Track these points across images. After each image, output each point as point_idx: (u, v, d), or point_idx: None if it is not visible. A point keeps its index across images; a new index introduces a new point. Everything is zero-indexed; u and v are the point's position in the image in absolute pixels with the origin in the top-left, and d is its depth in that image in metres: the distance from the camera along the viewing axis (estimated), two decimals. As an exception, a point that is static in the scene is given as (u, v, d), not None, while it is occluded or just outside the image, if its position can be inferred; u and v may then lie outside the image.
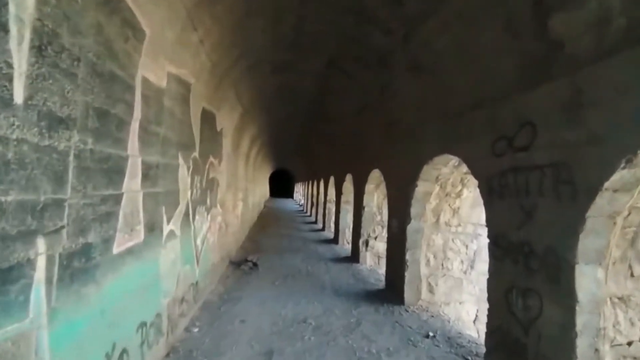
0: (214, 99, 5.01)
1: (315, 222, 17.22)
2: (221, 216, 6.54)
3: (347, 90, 7.28)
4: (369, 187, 8.30)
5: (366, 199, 8.41)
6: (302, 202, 29.62)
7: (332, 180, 13.51)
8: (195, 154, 4.31)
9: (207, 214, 5.20)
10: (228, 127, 6.69)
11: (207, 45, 3.80)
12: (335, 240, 11.75)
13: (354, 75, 6.42)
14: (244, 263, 7.76)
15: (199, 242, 4.65)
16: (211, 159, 5.32)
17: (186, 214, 3.94)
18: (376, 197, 8.46)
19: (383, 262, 8.44)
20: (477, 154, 3.64)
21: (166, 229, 3.34)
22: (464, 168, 4.93)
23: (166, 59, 3.07)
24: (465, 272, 5.53)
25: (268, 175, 36.29)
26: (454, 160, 4.70)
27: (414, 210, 5.40)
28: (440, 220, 5.51)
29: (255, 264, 7.88)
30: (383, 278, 7.13)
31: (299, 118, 10.90)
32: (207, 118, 4.84)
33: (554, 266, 2.59)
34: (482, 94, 3.57)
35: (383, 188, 8.29)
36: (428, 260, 5.51)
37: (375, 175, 7.94)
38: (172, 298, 3.55)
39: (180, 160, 3.73)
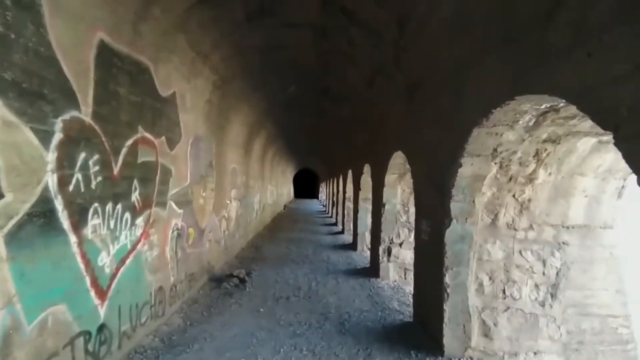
0: (139, 35, 3.26)
1: (336, 224, 15.31)
2: (184, 219, 4.80)
3: (354, 51, 5.37)
4: (389, 178, 6.30)
5: (387, 193, 6.42)
6: (325, 202, 27.83)
7: (349, 174, 11.57)
8: (79, 115, 2.56)
9: (137, 217, 3.44)
10: (192, 99, 4.94)
11: None
12: (353, 245, 9.80)
13: (359, 19, 4.48)
14: (227, 279, 5.99)
15: (105, 260, 2.89)
16: (144, 134, 3.57)
17: (42, 216, 2.18)
18: (400, 191, 6.45)
19: (411, 275, 6.43)
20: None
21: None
22: (548, 129, 2.87)
23: None
24: (542, 304, 3.44)
25: (292, 176, 34.86)
26: (529, 114, 2.67)
27: (455, 206, 3.40)
28: (499, 221, 3.46)
29: (242, 280, 6.09)
30: (410, 301, 5.13)
31: (304, 101, 9.05)
32: (120, 65, 3.09)
33: None
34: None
35: (409, 178, 6.28)
36: (481, 285, 3.48)
37: (398, 162, 5.94)
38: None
39: (13, 118, 1.98)
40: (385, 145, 6.25)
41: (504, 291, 3.47)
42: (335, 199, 17.24)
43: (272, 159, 16.12)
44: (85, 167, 2.61)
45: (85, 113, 2.62)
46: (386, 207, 6.44)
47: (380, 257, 6.50)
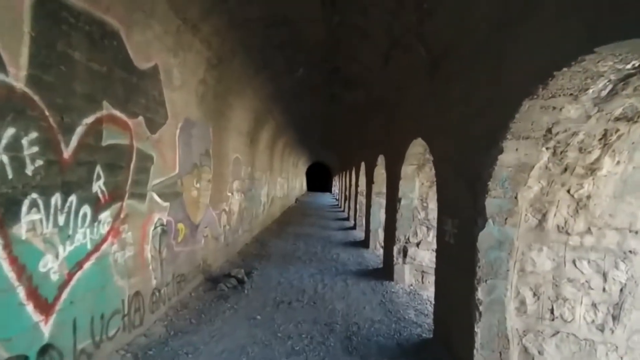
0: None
1: (348, 219, 14.65)
2: (172, 213, 4.23)
3: (368, 22, 4.65)
4: (406, 169, 5.59)
5: (403, 187, 5.71)
6: (338, 196, 27.17)
7: (362, 167, 10.86)
8: (4, 79, 1.96)
9: (102, 211, 2.86)
10: (182, 76, 4.34)
11: None
12: (365, 243, 9.13)
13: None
14: (224, 279, 5.42)
15: (50, 264, 2.32)
16: (112, 112, 2.97)
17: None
18: (418, 185, 5.72)
19: (429, 279, 5.74)
20: None
21: None
22: (625, 102, 2.13)
23: None
24: (601, 328, 2.72)
25: (304, 169, 34.31)
26: (606, 78, 1.93)
27: (492, 203, 2.69)
28: (548, 223, 2.74)
29: (241, 281, 5.51)
30: (429, 310, 4.46)
31: (313, 86, 8.36)
32: (73, 23, 2.50)
33: None
34: None
35: (429, 170, 5.55)
36: (523, 303, 2.77)
37: (417, 151, 5.22)
38: None
39: None
40: (402, 132, 5.53)
41: (552, 311, 2.75)
42: (347, 192, 16.56)
43: (283, 151, 15.52)
44: (14, 147, 2.02)
45: (14, 77, 2.02)
46: (402, 202, 5.74)
47: (395, 258, 5.82)
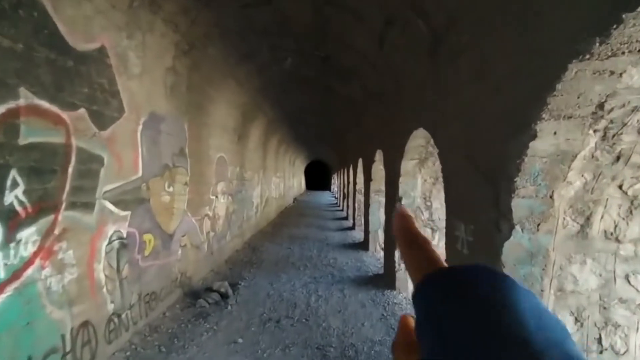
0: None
1: (346, 218, 14.06)
2: (134, 223, 3.62)
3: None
4: (407, 165, 4.97)
5: (403, 185, 5.09)
6: (337, 194, 26.58)
7: (360, 163, 10.25)
8: None
9: (22, 228, 2.25)
10: (142, 62, 3.73)
11: None
12: (364, 244, 8.53)
13: None
14: (205, 294, 4.82)
15: None
16: (35, 102, 2.36)
17: None
18: (420, 182, 5.11)
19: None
20: None
21: None
22: None
23: None
24: (665, 362, 2.11)
25: (303, 167, 33.73)
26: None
27: (521, 205, 2.07)
28: (592, 228, 2.12)
29: (224, 295, 4.91)
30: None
31: (304, 77, 7.73)
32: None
33: None
34: None
35: (432, 165, 4.94)
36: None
37: (418, 143, 4.61)
38: None
39: None
40: (401, 124, 4.92)
41: (599, 341, 2.14)
42: (346, 190, 15.95)
43: (277, 148, 14.90)
44: None
45: None
46: (403, 201, 5.12)
47: (397, 264, 5.21)
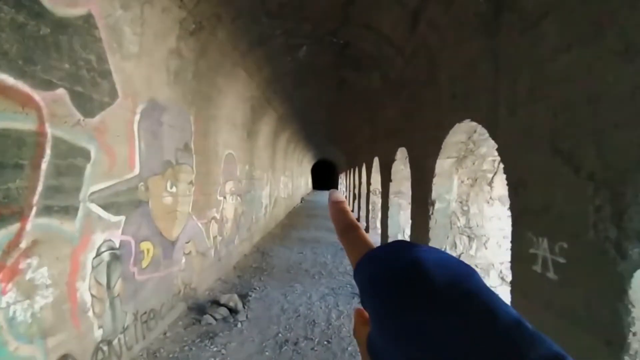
0: None
1: (358, 220, 13.37)
2: (129, 229, 3.05)
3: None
4: (443, 164, 4.35)
5: (437, 187, 4.48)
6: (345, 194, 25.97)
7: (375, 162, 9.63)
8: None
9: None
10: (141, 39, 3.17)
11: None
12: (382, 250, 7.89)
13: None
14: (212, 309, 4.25)
15: None
16: (6, 80, 1.79)
17: None
18: (456, 183, 4.49)
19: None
20: None
21: None
22: None
23: None
24: None
25: (309, 167, 33.21)
26: None
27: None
28: None
29: (233, 310, 4.33)
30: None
31: (319, 69, 7.14)
32: None
33: None
34: None
35: (470, 164, 4.32)
36: None
37: (457, 139, 3.99)
38: None
39: None
40: (436, 116, 4.30)
41: None
42: (357, 191, 15.32)
43: (286, 147, 14.33)
44: None
45: None
46: (436, 205, 4.51)
47: (428, 276, 4.59)
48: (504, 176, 4.15)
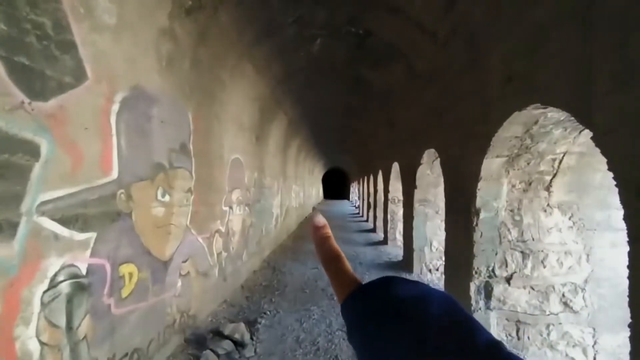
0: None
1: (374, 230, 12.65)
2: (103, 249, 2.38)
3: None
4: (490, 165, 3.60)
5: (483, 192, 3.71)
6: (358, 203, 25.18)
7: (395, 168, 8.88)
8: None
9: None
10: (118, 8, 2.54)
11: None
12: (405, 264, 7.12)
13: None
14: (215, 341, 3.52)
15: None
16: None
17: None
18: (506, 188, 3.72)
19: (530, 333, 3.70)
20: None
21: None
22: None
23: None
24: None
25: (320, 177, 32.55)
26: None
27: None
28: None
29: (239, 344, 3.60)
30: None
31: (334, 64, 6.48)
32: None
33: None
34: None
35: (524, 164, 3.56)
36: None
37: (511, 132, 3.25)
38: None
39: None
40: (479, 107, 3.58)
41: None
42: (372, 200, 14.54)
43: (297, 155, 13.68)
44: None
45: None
46: (482, 215, 3.74)
47: (473, 300, 3.80)
48: (568, 179, 3.37)
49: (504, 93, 3.10)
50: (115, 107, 2.49)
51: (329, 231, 0.45)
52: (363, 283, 0.38)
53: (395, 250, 8.93)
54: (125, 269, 2.62)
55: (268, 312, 4.60)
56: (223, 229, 4.84)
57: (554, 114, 2.86)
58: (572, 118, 2.92)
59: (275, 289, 5.65)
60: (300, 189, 15.47)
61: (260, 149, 7.01)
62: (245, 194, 5.93)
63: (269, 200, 8.17)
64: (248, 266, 6.20)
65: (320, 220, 0.45)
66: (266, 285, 5.86)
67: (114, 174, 2.48)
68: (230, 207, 5.18)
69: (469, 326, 0.30)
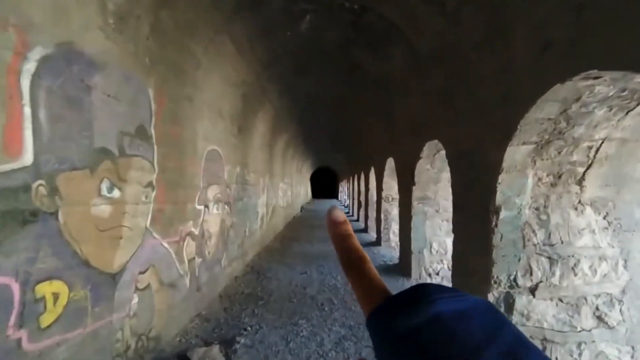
0: None
1: (365, 230, 12.09)
2: (14, 260, 1.68)
3: None
4: (514, 153, 3.01)
5: (504, 186, 3.13)
6: (348, 202, 24.65)
7: (389, 164, 8.30)
8: None
9: None
10: None
11: None
12: (402, 268, 6.54)
13: None
14: (179, 372, 2.85)
15: None
16: None
17: None
18: (532, 182, 3.14)
19: (558, 353, 3.15)
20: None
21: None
22: None
23: None
24: None
25: (309, 175, 31.90)
26: None
27: None
28: None
29: (211, 373, 2.93)
30: None
31: (326, 48, 5.85)
32: None
33: None
34: None
35: (555, 153, 2.98)
36: None
37: (544, 114, 2.66)
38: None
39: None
40: (501, 86, 2.99)
41: None
42: (362, 199, 13.97)
43: (284, 152, 13.01)
44: None
45: None
46: (502, 214, 3.15)
47: (490, 315, 3.22)
48: (605, 171, 2.83)
49: (538, 65, 2.51)
50: (30, 67, 1.80)
51: (349, 228, 0.37)
52: (392, 293, 0.32)
53: (389, 251, 8.35)
54: (47, 287, 1.93)
55: (249, 328, 3.93)
56: (196, 231, 4.15)
57: (603, 87, 2.29)
58: (623, 93, 2.35)
59: (259, 298, 4.98)
60: (288, 187, 14.79)
61: (243, 141, 6.32)
62: (224, 190, 5.24)
63: (254, 199, 7.48)
64: (228, 272, 5.51)
65: (340, 215, 0.37)
66: (248, 294, 5.19)
67: (27, 159, 1.79)
68: (206, 206, 4.49)
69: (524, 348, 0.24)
